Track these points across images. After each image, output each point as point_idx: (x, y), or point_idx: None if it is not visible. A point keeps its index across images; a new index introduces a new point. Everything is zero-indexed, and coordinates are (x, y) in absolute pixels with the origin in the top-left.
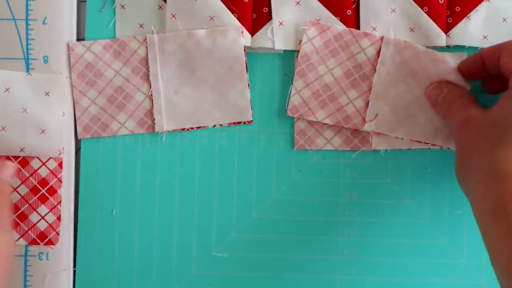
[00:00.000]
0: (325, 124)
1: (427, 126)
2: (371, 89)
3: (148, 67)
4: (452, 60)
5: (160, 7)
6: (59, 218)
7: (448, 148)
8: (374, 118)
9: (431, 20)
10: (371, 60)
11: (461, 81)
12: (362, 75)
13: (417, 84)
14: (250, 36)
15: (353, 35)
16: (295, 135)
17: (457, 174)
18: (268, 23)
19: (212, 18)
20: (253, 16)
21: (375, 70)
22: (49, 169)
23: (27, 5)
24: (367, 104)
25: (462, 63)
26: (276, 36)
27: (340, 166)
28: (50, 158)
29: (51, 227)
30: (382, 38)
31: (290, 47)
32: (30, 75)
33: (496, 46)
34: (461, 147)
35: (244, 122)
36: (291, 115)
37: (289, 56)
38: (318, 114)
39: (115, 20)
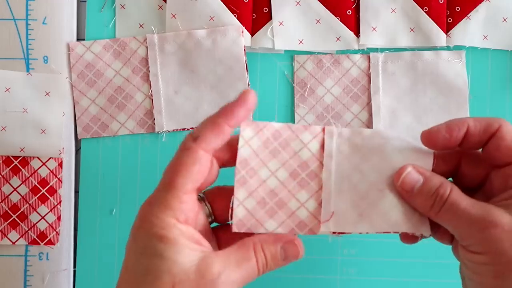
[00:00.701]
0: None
1: (392, 212)
2: (322, 187)
3: (148, 67)
4: (403, 135)
5: (160, 7)
6: (59, 218)
7: (421, 235)
8: (330, 218)
9: (431, 20)
10: (316, 155)
11: (423, 155)
12: (310, 173)
13: (372, 168)
14: (250, 36)
15: (292, 130)
16: None
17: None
18: (268, 23)
19: (212, 18)
20: (253, 16)
21: (323, 165)
22: (49, 169)
23: (27, 5)
24: (320, 204)
25: (435, 131)
26: (276, 36)
27: None
28: (50, 158)
29: (51, 227)
30: (323, 129)
31: (290, 47)
32: (30, 75)
33: (486, 122)
34: (498, 255)
35: None
36: (237, 231)
37: (289, 56)
38: (268, 224)
39: (115, 20)
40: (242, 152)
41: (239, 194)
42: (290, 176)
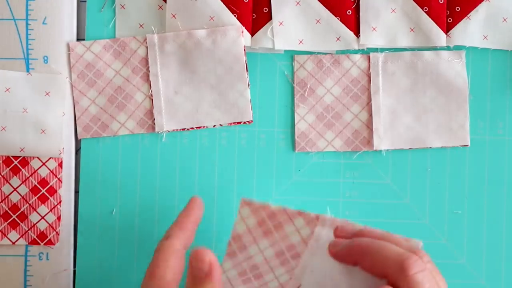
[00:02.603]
0: (326, 126)
1: None
2: (298, 265)
3: (148, 67)
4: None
5: (160, 7)
6: (59, 218)
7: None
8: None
9: (431, 20)
10: (306, 240)
11: None
12: (294, 254)
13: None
14: (250, 36)
15: (288, 214)
16: (296, 137)
17: None
18: (268, 23)
19: (212, 18)
20: (253, 16)
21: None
22: (49, 169)
23: (27, 5)
24: (292, 278)
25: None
26: (276, 36)
27: (340, 166)
28: (50, 158)
29: (51, 227)
30: (317, 217)
31: (290, 47)
32: (30, 75)
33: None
34: None
35: (244, 122)
36: None
37: (289, 56)
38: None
39: (115, 20)
40: (238, 228)
41: (225, 265)
42: (276, 255)
